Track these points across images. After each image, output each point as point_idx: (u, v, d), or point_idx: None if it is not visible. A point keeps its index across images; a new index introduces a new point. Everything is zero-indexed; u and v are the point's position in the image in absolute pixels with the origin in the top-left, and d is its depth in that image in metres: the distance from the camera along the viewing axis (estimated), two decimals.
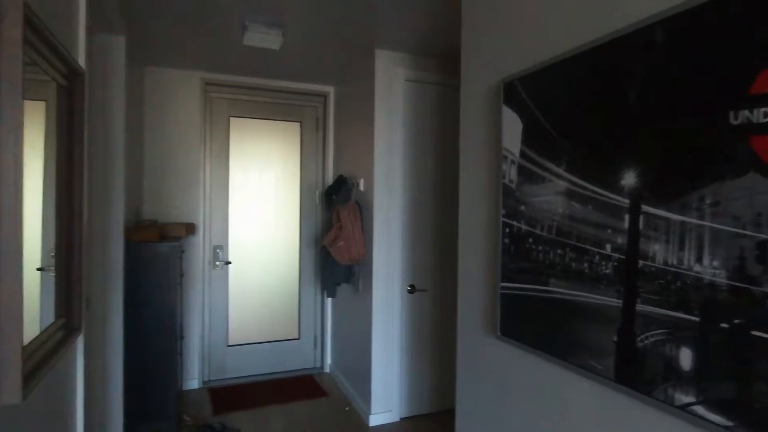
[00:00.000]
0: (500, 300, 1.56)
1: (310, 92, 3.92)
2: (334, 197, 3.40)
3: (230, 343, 3.78)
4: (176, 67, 3.45)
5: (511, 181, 1.52)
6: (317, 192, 4.00)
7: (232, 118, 3.76)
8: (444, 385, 3.22)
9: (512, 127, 1.51)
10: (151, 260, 2.70)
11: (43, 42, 1.14)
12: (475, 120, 1.79)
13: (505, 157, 1.55)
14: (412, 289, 3.09)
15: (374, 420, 3.03)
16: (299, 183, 3.96)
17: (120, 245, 2.51)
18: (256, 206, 3.85)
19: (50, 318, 1.34)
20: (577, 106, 1.26)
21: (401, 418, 3.11)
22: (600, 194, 1.18)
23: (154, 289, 2.71)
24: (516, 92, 1.49)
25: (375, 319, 3.03)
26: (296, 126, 3.95)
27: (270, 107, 3.86)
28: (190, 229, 3.29)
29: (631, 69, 1.10)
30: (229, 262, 3.75)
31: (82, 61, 1.62)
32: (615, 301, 1.14)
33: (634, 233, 1.09)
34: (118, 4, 2.30)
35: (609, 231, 1.15)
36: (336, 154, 3.90)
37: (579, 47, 1.25)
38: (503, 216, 1.56)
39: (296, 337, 3.97)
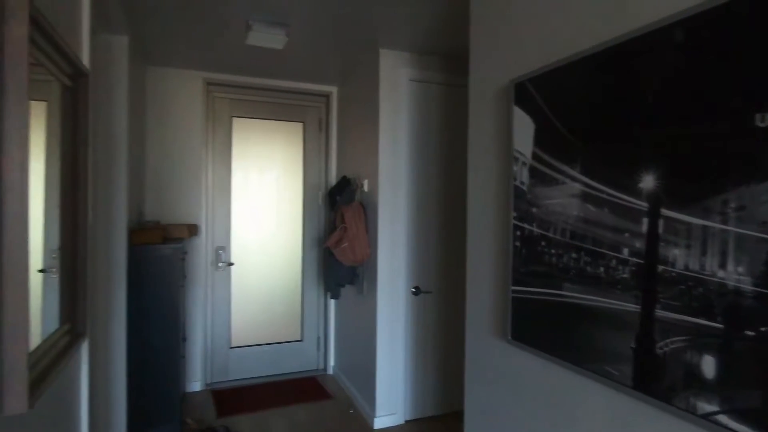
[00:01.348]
0: (511, 303, 1.54)
1: (313, 92, 3.89)
2: (337, 198, 3.38)
3: (233, 345, 3.76)
4: (178, 67, 3.42)
5: (522, 183, 1.50)
6: (320, 193, 3.98)
7: (234, 119, 3.74)
8: (449, 387, 3.20)
9: (523, 128, 1.49)
10: (154, 262, 2.67)
11: (48, 42, 1.12)
12: (485, 121, 1.76)
13: (516, 159, 1.52)
14: (417, 291, 3.07)
15: (379, 423, 3.00)
16: (302, 184, 3.94)
17: (123, 247, 2.48)
18: (259, 207, 3.83)
19: (53, 322, 1.31)
20: (591, 108, 1.23)
21: (406, 421, 3.09)
22: (616, 197, 1.15)
23: (157, 292, 2.68)
24: (527, 93, 1.47)
25: (379, 321, 3.01)
26: (299, 126, 3.92)
27: (272, 107, 3.84)
28: (193, 230, 3.26)
29: (650, 70, 1.07)
30: (232, 264, 3.73)
31: (86, 61, 1.59)
32: (633, 307, 1.11)
33: (653, 237, 1.06)
34: (120, 4, 2.28)
35: (626, 235, 1.13)
36: (339, 154, 3.87)
37: (593, 47, 1.23)
38: (514, 218, 1.53)
39: (299, 338, 3.95)
